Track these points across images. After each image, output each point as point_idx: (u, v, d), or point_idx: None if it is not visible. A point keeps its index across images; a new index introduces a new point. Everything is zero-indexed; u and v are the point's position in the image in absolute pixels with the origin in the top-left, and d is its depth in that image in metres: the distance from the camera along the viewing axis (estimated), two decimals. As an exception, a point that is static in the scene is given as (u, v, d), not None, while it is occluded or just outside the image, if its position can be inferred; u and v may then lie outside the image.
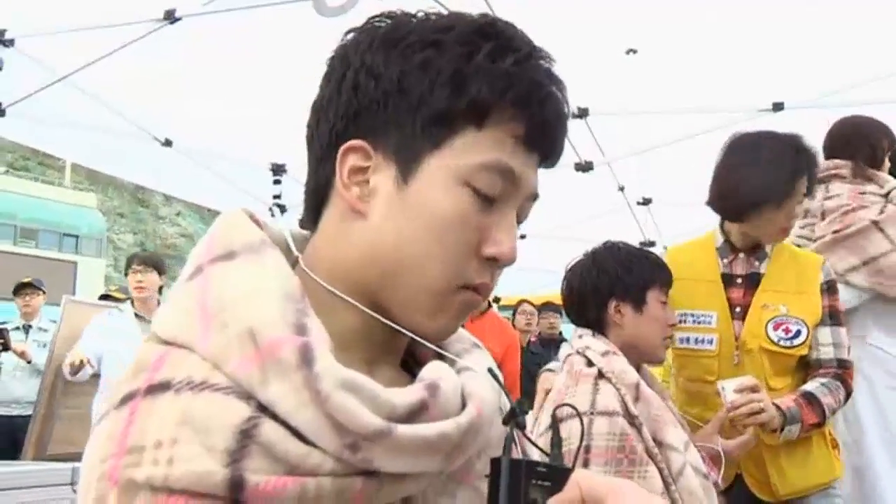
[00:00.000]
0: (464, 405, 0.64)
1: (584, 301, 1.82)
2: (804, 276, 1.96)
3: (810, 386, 1.89)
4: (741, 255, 1.98)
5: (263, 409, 0.56)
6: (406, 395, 0.60)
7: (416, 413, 0.59)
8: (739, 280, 1.98)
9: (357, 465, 0.57)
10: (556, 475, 0.58)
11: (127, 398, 0.58)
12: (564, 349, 1.85)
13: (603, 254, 1.84)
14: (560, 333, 6.19)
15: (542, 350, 5.92)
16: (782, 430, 1.82)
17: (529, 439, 0.71)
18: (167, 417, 0.55)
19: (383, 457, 0.57)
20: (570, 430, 1.50)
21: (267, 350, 0.56)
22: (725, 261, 2.00)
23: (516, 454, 0.62)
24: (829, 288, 1.96)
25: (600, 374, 1.69)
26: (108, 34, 2.86)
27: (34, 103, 3.23)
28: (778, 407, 1.81)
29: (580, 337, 1.81)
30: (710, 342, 1.94)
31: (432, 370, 0.65)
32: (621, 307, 1.77)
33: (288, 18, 2.85)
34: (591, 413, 1.60)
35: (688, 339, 1.98)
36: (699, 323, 1.96)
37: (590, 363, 1.72)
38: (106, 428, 0.57)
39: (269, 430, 0.55)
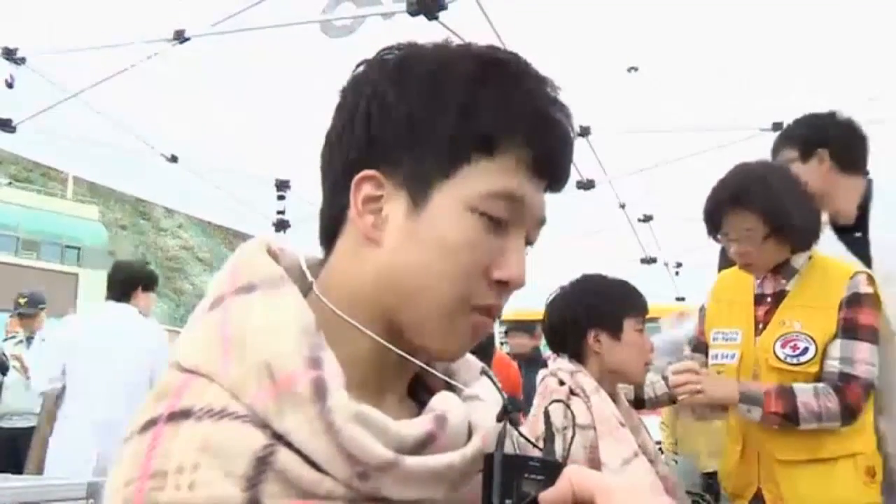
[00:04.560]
0: (470, 434, 0.66)
1: (564, 332, 1.94)
2: (828, 290, 1.94)
3: (796, 384, 1.88)
4: (768, 274, 2.02)
5: (279, 438, 0.58)
6: (415, 428, 0.62)
7: (424, 445, 0.62)
8: (769, 298, 2.02)
9: (367, 493, 0.59)
10: (549, 469, 0.60)
11: (149, 424, 0.60)
12: (541, 373, 1.97)
13: (579, 285, 1.96)
14: (534, 349, 6.34)
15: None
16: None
17: (522, 434, 0.73)
18: (189, 444, 0.57)
19: (391, 486, 0.60)
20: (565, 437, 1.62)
21: (283, 383, 0.59)
22: (758, 281, 2.06)
23: (509, 450, 0.64)
24: (851, 301, 1.91)
25: (571, 392, 1.81)
26: (118, 53, 2.90)
27: (44, 120, 3.25)
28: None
29: (554, 360, 1.95)
30: (732, 357, 2.00)
31: (441, 401, 0.67)
32: (599, 336, 1.88)
33: (294, 39, 2.88)
34: (566, 427, 1.68)
35: (717, 356, 2.05)
36: (727, 340, 2.03)
37: (561, 382, 1.85)
38: (130, 452, 0.59)
39: (285, 458, 0.58)
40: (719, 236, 1.99)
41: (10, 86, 2.96)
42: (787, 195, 1.92)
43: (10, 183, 25.28)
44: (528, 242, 0.71)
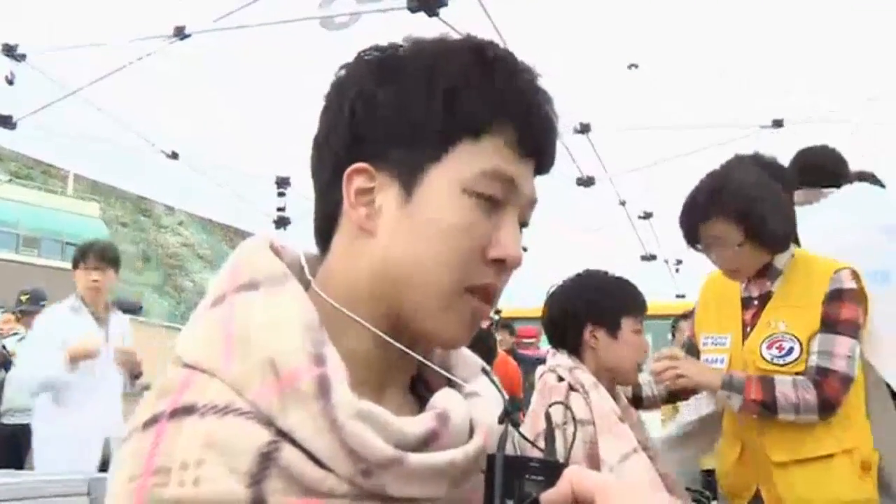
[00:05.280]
0: (471, 431, 0.66)
1: (563, 326, 1.93)
2: (811, 288, 1.93)
3: (776, 376, 1.88)
4: (752, 277, 2.02)
5: (283, 435, 0.58)
6: (418, 425, 0.62)
7: (426, 442, 0.62)
8: (755, 301, 2.02)
9: (370, 490, 0.60)
10: (550, 470, 0.60)
11: (152, 420, 0.60)
12: (540, 369, 1.96)
13: (581, 281, 1.94)
14: (513, 344, 6.62)
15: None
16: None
17: (523, 436, 0.74)
18: (193, 440, 0.57)
19: (395, 483, 0.60)
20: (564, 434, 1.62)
21: (287, 380, 0.59)
22: (744, 285, 2.05)
23: (510, 451, 0.64)
24: (833, 297, 1.90)
25: (570, 388, 1.81)
26: (119, 50, 2.90)
27: (45, 117, 3.26)
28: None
29: (553, 356, 1.93)
30: (721, 361, 2.00)
31: (443, 398, 0.67)
32: (596, 332, 1.88)
33: (294, 35, 2.89)
34: (565, 423, 1.68)
35: (707, 361, 2.04)
36: (716, 345, 2.03)
37: (560, 378, 1.84)
38: (132, 448, 0.59)
39: (289, 455, 0.58)
40: (698, 245, 2.00)
41: (10, 82, 2.96)
42: (759, 199, 1.90)
43: (11, 180, 25.27)
44: (522, 224, 0.72)
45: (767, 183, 1.96)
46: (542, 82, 0.70)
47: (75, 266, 3.77)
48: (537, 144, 0.70)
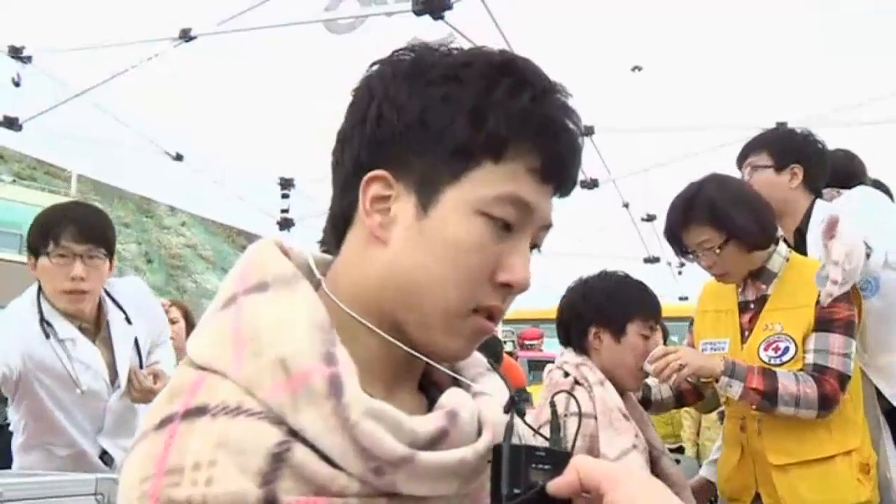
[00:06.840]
0: (479, 430, 0.67)
1: (569, 325, 1.95)
2: (805, 290, 1.95)
3: (778, 370, 1.90)
4: (748, 281, 2.04)
5: (294, 434, 0.59)
6: (428, 424, 0.63)
7: (436, 440, 0.63)
8: (752, 305, 2.04)
9: (381, 488, 0.60)
10: (556, 459, 0.61)
11: (165, 421, 0.61)
12: (548, 367, 1.99)
13: (592, 281, 1.96)
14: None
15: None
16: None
17: (529, 425, 0.74)
18: (205, 440, 0.58)
19: (406, 481, 0.61)
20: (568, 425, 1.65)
21: (298, 379, 0.60)
22: (740, 289, 2.08)
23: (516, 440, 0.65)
24: None
25: (576, 382, 1.84)
26: (124, 51, 2.91)
27: (50, 119, 3.27)
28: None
29: (562, 354, 1.96)
30: None
31: (451, 397, 0.68)
32: (601, 334, 1.89)
33: (299, 38, 2.90)
34: (566, 415, 1.69)
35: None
36: (715, 350, 2.04)
37: (566, 374, 1.87)
38: (145, 449, 0.60)
39: (300, 454, 0.58)
40: (689, 255, 2.03)
41: (16, 84, 2.97)
42: (726, 199, 1.95)
43: (14, 181, 25.30)
44: (535, 246, 0.72)
45: (733, 185, 2.04)
46: (571, 101, 0.69)
47: (35, 251, 2.30)
48: (561, 172, 0.70)
